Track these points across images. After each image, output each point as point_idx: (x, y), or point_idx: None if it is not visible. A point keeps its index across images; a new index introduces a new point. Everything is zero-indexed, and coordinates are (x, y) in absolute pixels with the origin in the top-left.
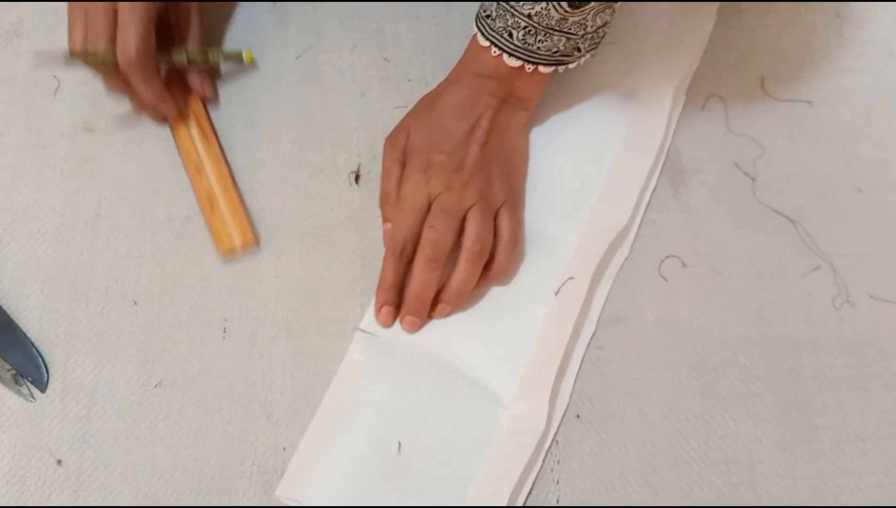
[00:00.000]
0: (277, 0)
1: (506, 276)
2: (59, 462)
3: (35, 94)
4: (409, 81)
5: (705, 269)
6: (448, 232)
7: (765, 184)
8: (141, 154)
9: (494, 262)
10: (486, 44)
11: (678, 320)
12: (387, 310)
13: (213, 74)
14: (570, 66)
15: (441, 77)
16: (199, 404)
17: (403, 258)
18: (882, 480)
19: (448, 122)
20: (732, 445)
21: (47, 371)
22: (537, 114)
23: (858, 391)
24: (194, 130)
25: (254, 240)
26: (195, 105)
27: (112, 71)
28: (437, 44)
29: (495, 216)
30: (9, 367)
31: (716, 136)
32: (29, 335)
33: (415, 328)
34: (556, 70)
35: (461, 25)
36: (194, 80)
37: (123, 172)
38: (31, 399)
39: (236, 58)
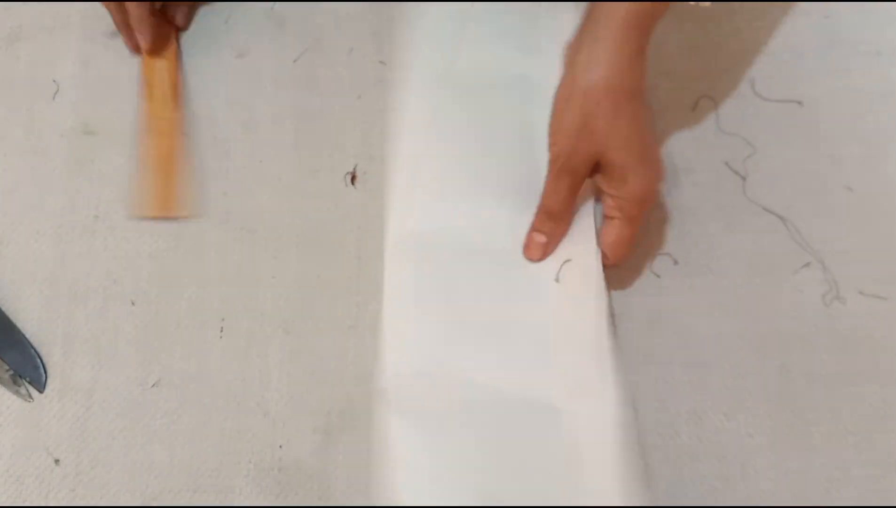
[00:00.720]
0: (275, 0)
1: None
2: (56, 461)
3: (35, 97)
4: None
5: (696, 266)
6: None
7: (755, 183)
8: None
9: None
10: None
11: (670, 317)
12: None
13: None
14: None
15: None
16: (196, 402)
17: None
18: (872, 473)
19: (643, 113)
20: (724, 440)
21: (45, 372)
22: (523, 97)
23: (849, 386)
24: (167, 86)
25: (176, 212)
26: (171, 62)
27: None
28: None
29: None
30: (7, 368)
31: (707, 136)
32: (27, 335)
33: None
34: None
35: None
36: (177, 11)
37: (122, 174)
38: (29, 399)
39: None
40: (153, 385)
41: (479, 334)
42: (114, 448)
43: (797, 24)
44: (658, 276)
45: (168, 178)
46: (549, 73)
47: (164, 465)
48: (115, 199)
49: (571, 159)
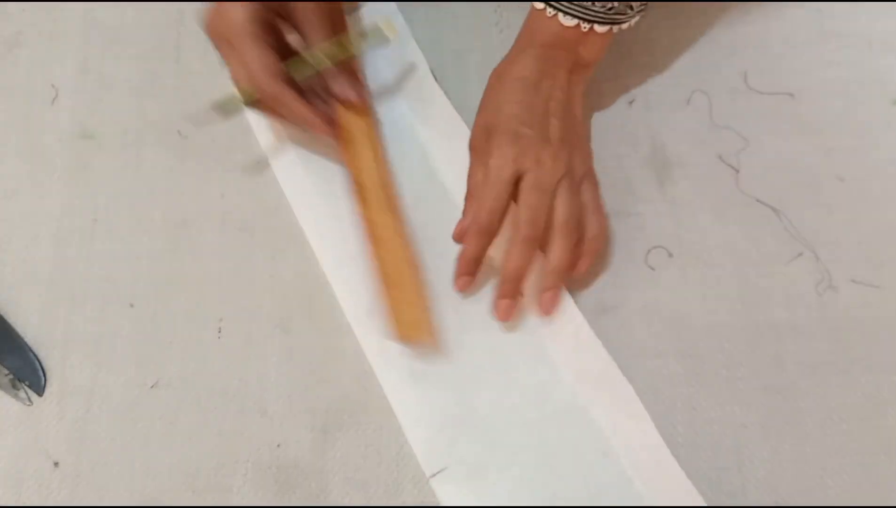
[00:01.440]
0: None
1: (602, 244)
2: (56, 463)
3: (33, 103)
4: None
5: (691, 258)
6: (543, 209)
7: (748, 175)
8: (137, 159)
9: (587, 236)
10: (542, 6)
11: (664, 308)
12: (466, 280)
13: (353, 70)
14: (623, 26)
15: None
16: (194, 403)
17: (489, 235)
18: (865, 461)
19: (525, 96)
20: (718, 430)
21: (44, 375)
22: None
23: (841, 374)
24: (377, 182)
25: (434, 339)
26: (362, 131)
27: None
28: (430, 45)
29: (581, 188)
30: (6, 372)
31: (700, 129)
32: (27, 339)
33: (509, 314)
34: (611, 30)
35: (452, 26)
36: (336, 86)
37: (120, 178)
38: (28, 403)
39: (378, 35)
40: (152, 387)
41: (479, 376)
42: (113, 450)
43: (788, 18)
44: (653, 269)
45: (408, 297)
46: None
47: (163, 466)
48: (114, 202)
49: (471, 144)
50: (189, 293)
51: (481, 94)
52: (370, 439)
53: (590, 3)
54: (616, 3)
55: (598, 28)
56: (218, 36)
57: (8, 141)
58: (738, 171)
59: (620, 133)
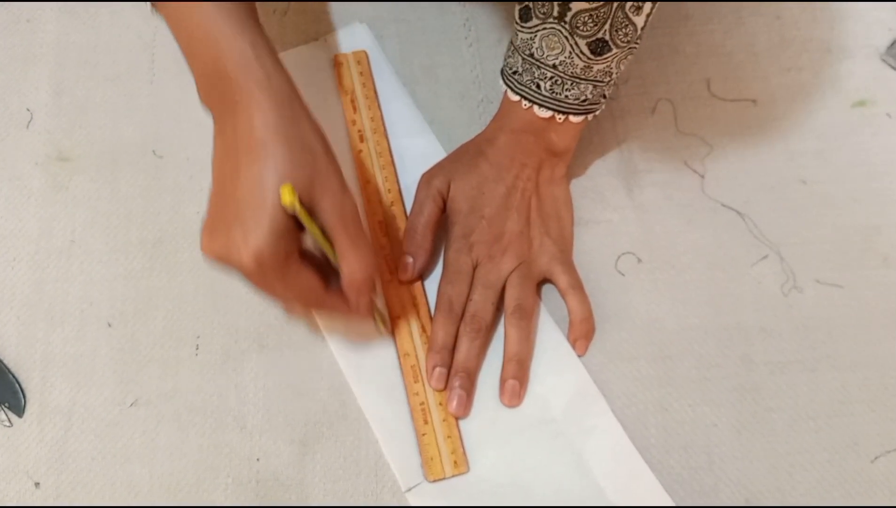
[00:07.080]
0: None
1: (592, 324)
2: (37, 484)
3: (9, 126)
4: None
5: (659, 263)
6: (487, 302)
7: (713, 180)
8: (113, 180)
9: (573, 316)
10: (517, 98)
11: (635, 313)
12: (440, 372)
13: None
14: (597, 113)
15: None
16: (173, 420)
17: (453, 317)
18: (833, 457)
19: (488, 185)
20: (690, 430)
21: (24, 396)
22: None
23: (808, 372)
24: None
25: (466, 468)
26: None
27: None
28: (401, 61)
29: (550, 274)
30: None
31: (666, 137)
32: (5, 361)
33: (462, 406)
34: (585, 119)
35: (423, 44)
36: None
37: (97, 199)
38: (8, 424)
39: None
40: (131, 405)
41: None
42: (93, 469)
43: (750, 25)
44: (623, 275)
45: (450, 427)
46: None
47: (144, 483)
48: (90, 223)
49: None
50: (166, 312)
51: (452, 108)
52: (349, 450)
53: (564, 95)
54: (589, 95)
55: (574, 118)
56: (241, 267)
57: None
58: (703, 176)
59: (588, 142)
